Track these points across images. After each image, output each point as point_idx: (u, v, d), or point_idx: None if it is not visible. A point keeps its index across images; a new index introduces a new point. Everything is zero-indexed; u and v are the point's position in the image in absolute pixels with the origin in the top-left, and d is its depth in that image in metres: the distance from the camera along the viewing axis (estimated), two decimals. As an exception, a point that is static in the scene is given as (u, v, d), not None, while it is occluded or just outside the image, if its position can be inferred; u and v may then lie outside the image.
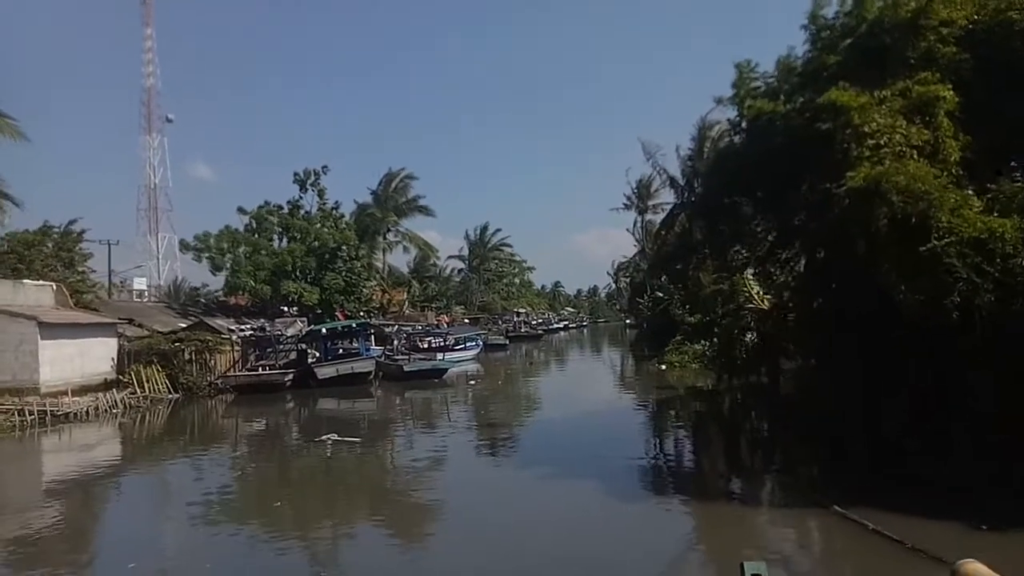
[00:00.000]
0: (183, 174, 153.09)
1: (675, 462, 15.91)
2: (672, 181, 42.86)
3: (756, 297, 24.22)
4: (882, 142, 10.31)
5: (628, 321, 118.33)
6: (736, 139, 15.53)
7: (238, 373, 30.82)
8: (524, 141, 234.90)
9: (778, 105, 13.09)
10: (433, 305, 76.88)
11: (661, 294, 63.41)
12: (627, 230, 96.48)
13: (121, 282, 68.93)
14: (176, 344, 31.28)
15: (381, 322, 45.26)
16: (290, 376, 31.23)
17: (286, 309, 43.84)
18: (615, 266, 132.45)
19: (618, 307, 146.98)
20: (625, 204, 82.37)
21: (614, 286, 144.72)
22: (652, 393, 27.87)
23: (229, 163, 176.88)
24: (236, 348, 32.99)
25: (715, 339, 34.13)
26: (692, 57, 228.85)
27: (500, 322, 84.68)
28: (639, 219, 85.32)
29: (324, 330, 32.78)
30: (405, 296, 64.73)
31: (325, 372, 31.37)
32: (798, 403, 19.06)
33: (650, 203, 79.92)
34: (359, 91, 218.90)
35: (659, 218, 78.93)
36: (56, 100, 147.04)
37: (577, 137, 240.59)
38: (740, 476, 14.25)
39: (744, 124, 14.87)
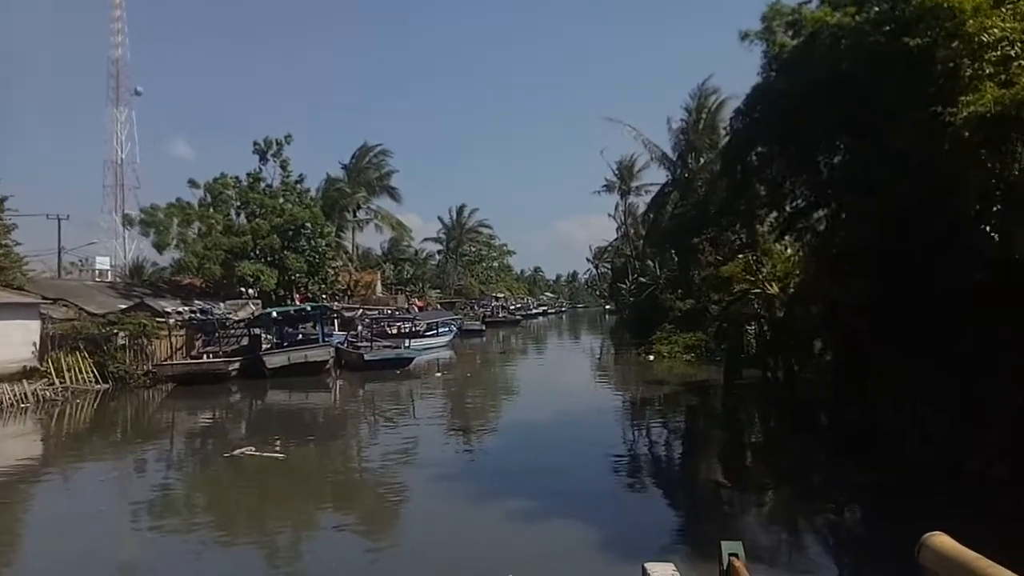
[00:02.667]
0: (161, 153, 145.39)
1: (685, 488, 12.60)
2: (664, 156, 39.60)
3: (762, 281, 21.23)
4: (1013, 53, 7.15)
5: (608, 307, 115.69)
6: (773, 76, 12.25)
7: (175, 361, 27.23)
8: (506, 124, 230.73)
9: (844, 17, 9.85)
10: (408, 289, 73.48)
11: (645, 279, 60.57)
12: (608, 214, 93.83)
13: (82, 261, 64.97)
14: (107, 328, 27.61)
15: (345, 306, 41.70)
16: (235, 365, 27.68)
17: (245, 291, 40.23)
18: (594, 251, 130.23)
19: (597, 293, 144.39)
20: (605, 186, 79.34)
21: (594, 271, 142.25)
22: (641, 388, 24.71)
23: (210, 141, 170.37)
24: (178, 333, 29.45)
25: (715, 327, 31.28)
26: (683, 30, 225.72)
27: (477, 307, 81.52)
28: (621, 202, 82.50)
29: (275, 314, 29.23)
30: (378, 279, 61.21)
31: (275, 361, 27.89)
32: (821, 406, 16.04)
33: (633, 184, 77.00)
34: (341, 68, 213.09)
35: (643, 200, 76.32)
36: (17, 71, 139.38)
37: (559, 121, 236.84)
38: (775, 511, 10.95)
39: (786, 54, 11.57)
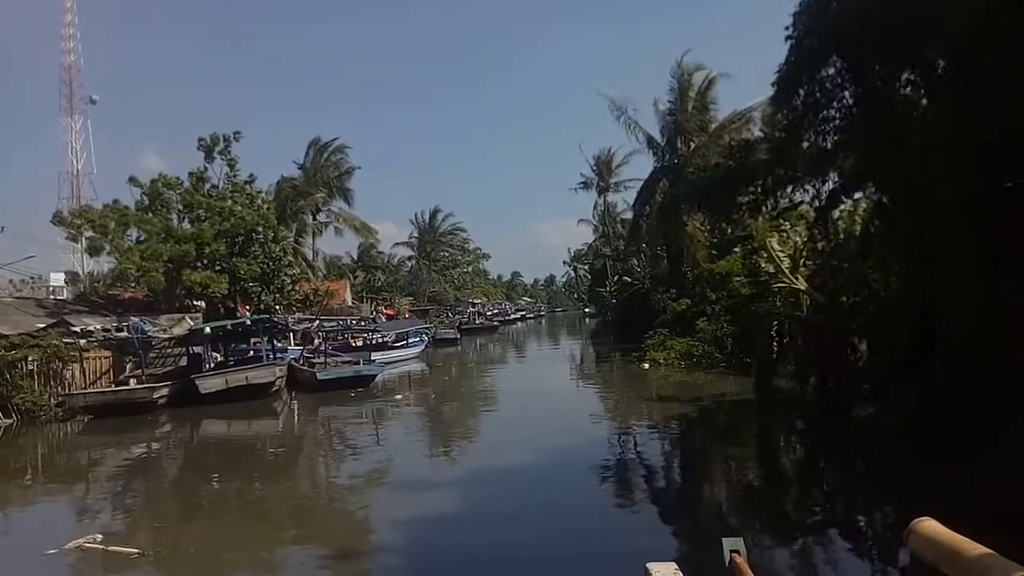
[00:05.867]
0: (131, 165, 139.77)
1: None
2: (650, 141, 36.07)
3: (786, 272, 17.65)
4: None
5: (587, 310, 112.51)
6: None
7: (89, 390, 22.96)
8: (478, 126, 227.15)
9: None
10: (380, 297, 69.72)
11: (629, 278, 57.17)
12: (580, 220, 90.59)
13: (33, 278, 61.08)
14: (10, 351, 23.27)
15: (302, 317, 37.59)
16: (163, 392, 23.49)
17: (192, 303, 36.05)
18: (572, 253, 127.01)
19: (576, 296, 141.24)
20: (583, 183, 76.26)
21: (572, 274, 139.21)
22: (646, 407, 20.43)
23: (183, 153, 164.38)
24: (103, 355, 25.22)
25: (718, 330, 27.86)
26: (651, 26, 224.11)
27: (452, 313, 77.64)
28: (599, 200, 79.51)
29: (208, 330, 25.07)
30: (346, 287, 57.18)
31: (210, 384, 23.72)
32: (890, 435, 12.43)
33: (612, 180, 73.86)
34: (310, 72, 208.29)
35: (622, 196, 73.14)
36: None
37: (533, 122, 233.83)
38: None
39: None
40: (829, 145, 10.29)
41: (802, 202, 14.56)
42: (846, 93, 9.37)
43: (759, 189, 12.95)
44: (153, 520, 10.85)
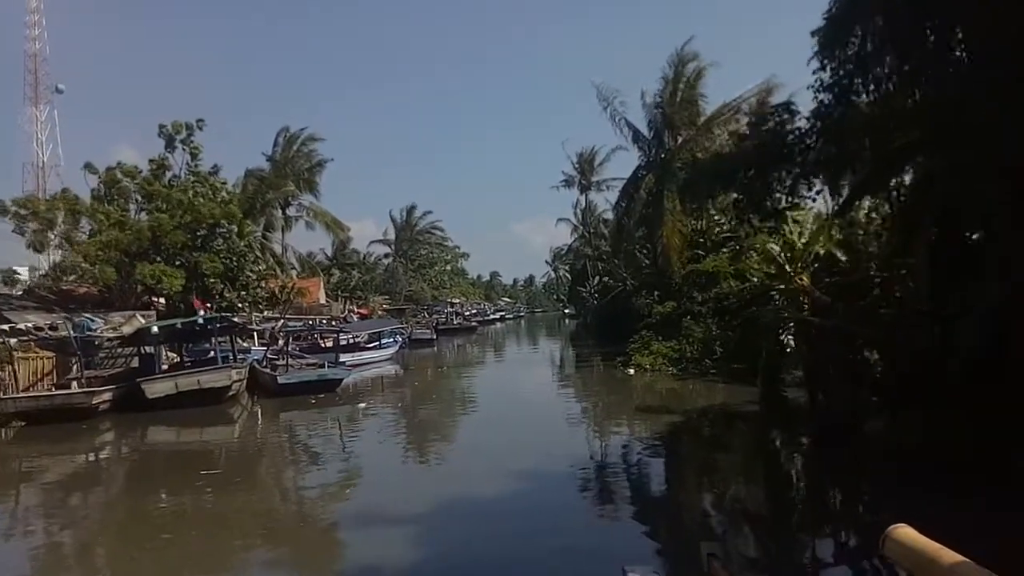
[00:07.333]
0: (107, 158, 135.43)
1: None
2: (637, 135, 34.44)
3: (790, 273, 16.12)
4: None
5: (567, 311, 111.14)
6: None
7: (21, 394, 20.81)
8: (459, 124, 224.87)
9: None
10: (355, 295, 67.83)
11: (611, 280, 55.79)
12: (559, 220, 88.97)
13: None
14: (-65, 352, 21.07)
15: (267, 316, 35.56)
16: (105, 396, 21.43)
17: (150, 299, 33.91)
18: (552, 253, 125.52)
19: (556, 297, 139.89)
20: (564, 181, 74.92)
21: (552, 275, 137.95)
22: (634, 420, 18.41)
23: (157, 147, 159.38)
24: (47, 355, 23.08)
25: (706, 332, 26.36)
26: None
27: (429, 313, 75.81)
28: (581, 198, 78.45)
29: (155, 329, 22.96)
30: (319, 285, 55.14)
31: (158, 389, 21.66)
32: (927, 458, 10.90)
33: (593, 179, 72.64)
34: (290, 66, 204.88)
35: (604, 195, 71.81)
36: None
37: (514, 119, 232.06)
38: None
39: None
40: (880, 112, 8.68)
41: (813, 191, 12.96)
42: (895, 50, 7.78)
43: (796, 169, 11.13)
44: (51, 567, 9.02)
